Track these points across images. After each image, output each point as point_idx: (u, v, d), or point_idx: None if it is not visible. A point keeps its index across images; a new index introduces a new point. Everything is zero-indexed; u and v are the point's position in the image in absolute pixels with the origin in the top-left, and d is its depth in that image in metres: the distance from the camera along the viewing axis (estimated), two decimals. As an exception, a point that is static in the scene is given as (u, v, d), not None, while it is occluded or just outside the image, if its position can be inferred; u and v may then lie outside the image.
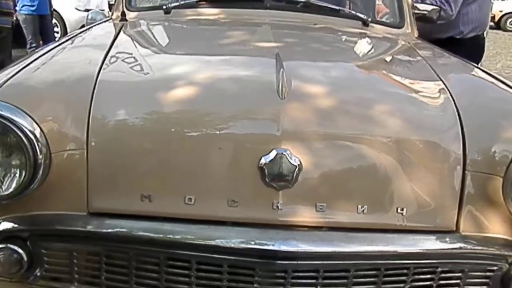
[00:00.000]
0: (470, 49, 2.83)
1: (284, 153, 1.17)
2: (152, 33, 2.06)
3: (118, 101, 1.33)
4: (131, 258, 1.25)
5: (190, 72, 1.45)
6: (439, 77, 1.57)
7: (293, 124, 1.22)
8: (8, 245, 1.27)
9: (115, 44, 1.75)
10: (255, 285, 1.23)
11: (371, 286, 1.26)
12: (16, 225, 1.27)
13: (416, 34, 2.35)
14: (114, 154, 1.26)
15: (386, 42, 2.14)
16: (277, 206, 1.19)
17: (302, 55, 1.71)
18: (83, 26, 8.18)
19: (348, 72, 1.65)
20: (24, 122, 1.18)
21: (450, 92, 1.46)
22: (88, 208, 1.25)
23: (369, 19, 2.21)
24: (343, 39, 2.13)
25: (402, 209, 1.25)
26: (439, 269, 1.29)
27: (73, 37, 1.89)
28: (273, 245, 1.17)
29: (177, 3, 2.21)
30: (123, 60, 1.58)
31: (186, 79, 1.40)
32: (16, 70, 1.36)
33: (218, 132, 1.24)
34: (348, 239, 1.22)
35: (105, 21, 2.32)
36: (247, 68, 1.52)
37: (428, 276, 1.29)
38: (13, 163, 1.19)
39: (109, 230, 1.23)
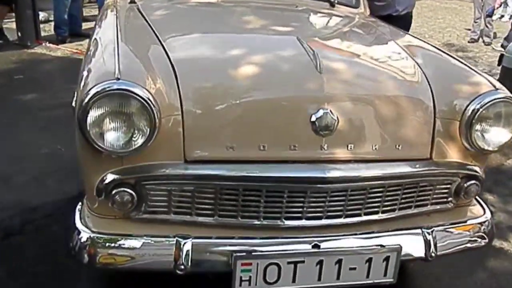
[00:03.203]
0: (402, 23, 3.61)
1: (327, 111, 1.71)
2: (172, 15, 2.47)
3: (195, 74, 1.79)
4: (216, 192, 1.74)
5: (242, 48, 1.95)
6: (405, 51, 2.18)
7: (331, 90, 1.76)
8: (123, 189, 1.70)
9: (152, 25, 2.16)
10: (305, 204, 1.78)
11: (379, 199, 1.87)
12: (131, 174, 1.69)
13: (368, 12, 2.96)
14: (203, 115, 1.71)
15: (350, 20, 2.72)
16: (323, 148, 1.74)
17: (311, 35, 2.24)
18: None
19: (347, 46, 2.22)
20: (143, 94, 1.59)
21: (416, 62, 2.07)
22: (185, 157, 1.71)
23: (335, 1, 2.78)
24: (324, 18, 2.68)
25: (399, 146, 1.85)
26: (420, 184, 1.93)
27: (112, 24, 2.22)
28: (323, 173, 1.72)
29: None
30: (174, 39, 2.01)
31: (243, 55, 1.88)
32: (112, 60, 1.72)
33: (280, 98, 1.76)
34: (367, 167, 1.80)
35: (113, 5, 2.62)
36: (282, 48, 2.02)
37: (413, 189, 1.92)
38: (141, 125, 1.60)
39: (203, 172, 1.71)
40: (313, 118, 1.71)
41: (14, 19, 6.89)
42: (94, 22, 8.28)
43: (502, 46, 7.81)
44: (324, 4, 2.77)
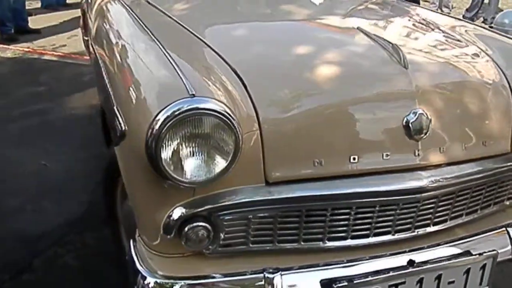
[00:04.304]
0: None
1: (421, 112, 1.52)
2: (196, 7, 2.18)
3: (264, 80, 1.55)
4: (302, 214, 1.51)
5: (304, 44, 1.70)
6: (464, 37, 2.02)
7: (421, 87, 1.56)
8: (198, 223, 1.44)
9: (180, 21, 1.88)
10: (396, 216, 1.59)
11: (465, 201, 1.71)
12: (205, 205, 1.43)
13: None
14: (284, 127, 1.47)
15: (386, 4, 2.52)
16: (418, 154, 1.55)
17: (368, 24, 2.01)
18: None
19: (413, 35, 2.01)
20: (223, 110, 1.32)
21: (479, 47, 1.91)
22: (265, 179, 1.47)
23: None
24: (361, 3, 2.45)
25: (485, 143, 1.69)
26: (500, 181, 1.77)
27: (130, 23, 1.91)
28: (420, 183, 1.53)
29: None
30: (219, 38, 1.75)
31: (311, 53, 1.64)
32: (170, 71, 1.44)
33: (368, 101, 1.55)
34: (459, 170, 1.63)
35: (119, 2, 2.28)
36: (349, 41, 1.79)
37: (494, 186, 1.77)
38: (223, 146, 1.34)
39: (291, 195, 1.47)
40: (406, 121, 1.51)
41: None
42: (36, 16, 7.75)
43: (463, 16, 7.89)
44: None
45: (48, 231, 2.64)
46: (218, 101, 1.33)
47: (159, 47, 1.60)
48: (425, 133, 1.53)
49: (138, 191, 1.51)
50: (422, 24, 2.20)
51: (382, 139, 1.53)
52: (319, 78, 1.56)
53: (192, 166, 1.34)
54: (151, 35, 1.71)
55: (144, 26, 1.82)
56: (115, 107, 1.57)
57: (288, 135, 1.47)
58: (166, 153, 1.29)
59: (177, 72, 1.41)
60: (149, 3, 2.19)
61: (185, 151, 1.32)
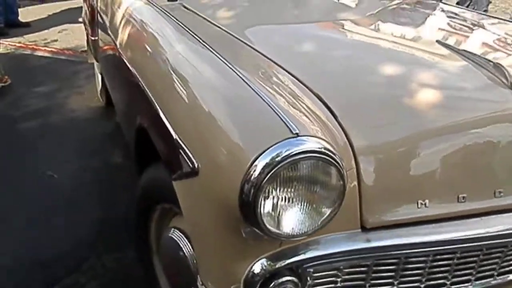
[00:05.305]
0: None
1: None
2: (247, 15, 1.90)
3: (355, 107, 1.30)
4: (399, 262, 1.29)
5: (392, 65, 1.46)
6: None
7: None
8: (286, 278, 1.21)
9: (236, 35, 1.63)
10: (502, 258, 1.38)
11: None
12: (293, 257, 1.19)
13: None
14: (383, 164, 1.24)
15: (432, 7, 2.29)
16: (534, 189, 1.33)
17: (449, 36, 1.78)
18: None
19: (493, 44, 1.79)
20: (328, 149, 1.08)
21: None
22: (362, 224, 1.24)
23: None
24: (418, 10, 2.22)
25: None
26: None
27: (175, 33, 1.65)
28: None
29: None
30: (288, 55, 1.50)
31: (401, 73, 1.40)
32: (256, 101, 1.20)
33: (477, 130, 1.31)
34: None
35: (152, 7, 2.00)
36: (438, 58, 1.55)
37: None
38: (329, 192, 1.11)
39: (392, 242, 1.24)
40: (521, 152, 1.30)
41: None
42: (23, 9, 7.35)
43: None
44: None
45: (64, 253, 2.38)
46: (321, 139, 1.10)
47: (229, 67, 1.35)
48: None
49: (210, 237, 1.27)
50: (500, 34, 1.98)
51: (494, 174, 1.31)
52: (417, 104, 1.32)
53: (294, 218, 1.10)
54: (213, 51, 1.46)
55: (199, 39, 1.56)
56: (176, 137, 1.32)
57: (388, 172, 1.24)
58: (266, 205, 1.05)
59: (267, 103, 1.16)
60: (187, 8, 1.92)
61: (286, 200, 1.08)
